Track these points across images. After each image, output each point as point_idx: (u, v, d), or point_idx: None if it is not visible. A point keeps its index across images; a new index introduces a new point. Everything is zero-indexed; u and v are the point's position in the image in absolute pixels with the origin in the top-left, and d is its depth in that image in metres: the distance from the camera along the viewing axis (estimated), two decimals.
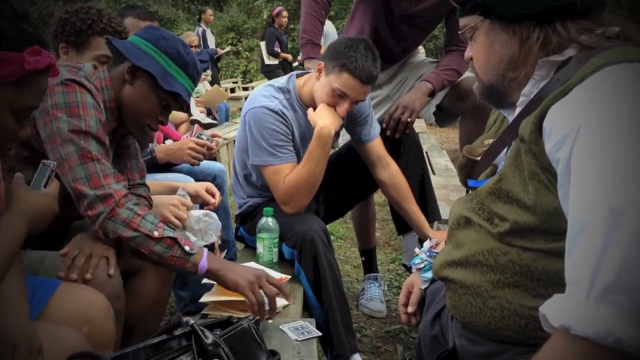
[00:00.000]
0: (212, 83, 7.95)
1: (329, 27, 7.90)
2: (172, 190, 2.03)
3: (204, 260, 1.51)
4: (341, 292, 1.98)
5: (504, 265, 1.03)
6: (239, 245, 2.63)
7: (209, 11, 10.13)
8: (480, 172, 1.21)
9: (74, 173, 1.44)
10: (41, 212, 1.22)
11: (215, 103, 7.08)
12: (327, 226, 2.16)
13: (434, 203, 2.53)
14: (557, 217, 0.92)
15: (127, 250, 1.50)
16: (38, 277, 1.37)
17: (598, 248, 0.76)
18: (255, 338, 1.23)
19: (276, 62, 9.06)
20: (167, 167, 2.55)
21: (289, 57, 9.08)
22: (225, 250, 2.30)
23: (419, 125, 6.34)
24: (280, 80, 2.22)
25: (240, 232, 2.37)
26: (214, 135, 2.70)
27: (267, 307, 1.53)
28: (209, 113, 7.10)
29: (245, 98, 5.94)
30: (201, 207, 2.13)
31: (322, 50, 2.42)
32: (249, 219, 2.29)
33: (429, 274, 1.46)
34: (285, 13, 9.38)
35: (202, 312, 1.71)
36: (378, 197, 3.96)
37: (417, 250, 1.58)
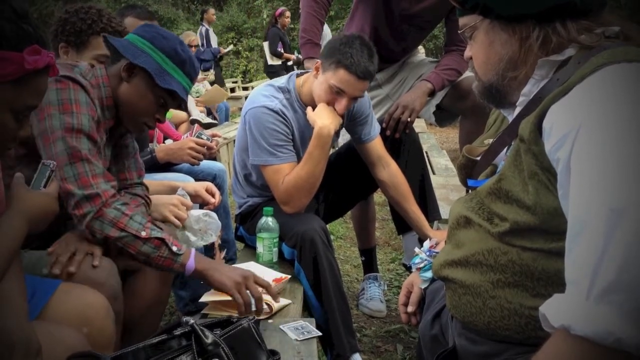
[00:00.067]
0: (216, 82, 7.95)
1: (325, 28, 7.87)
2: (172, 190, 2.03)
3: (192, 261, 1.51)
4: (341, 291, 1.98)
5: (504, 265, 1.03)
6: (239, 245, 2.63)
7: (212, 10, 10.11)
8: (480, 172, 1.21)
9: (63, 172, 1.44)
10: (41, 212, 1.22)
11: (215, 103, 7.08)
12: (327, 226, 2.16)
13: (433, 203, 2.53)
14: (557, 217, 0.92)
15: (114, 252, 1.50)
16: (38, 277, 1.37)
17: (598, 248, 0.76)
18: (255, 338, 1.23)
19: (280, 62, 9.04)
20: (167, 166, 2.55)
21: (293, 57, 9.07)
22: (225, 250, 2.30)
23: (419, 125, 6.34)
24: (281, 80, 2.22)
25: (240, 232, 2.37)
26: (214, 135, 2.70)
27: (253, 308, 1.53)
28: (209, 113, 7.10)
29: (245, 98, 5.95)
30: (201, 207, 2.13)
31: None
32: (248, 218, 2.29)
33: (428, 274, 1.46)
34: (288, 13, 9.34)
35: (202, 311, 1.71)
36: (378, 197, 3.96)
37: (417, 249, 1.58)
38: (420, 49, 3.73)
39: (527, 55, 1.03)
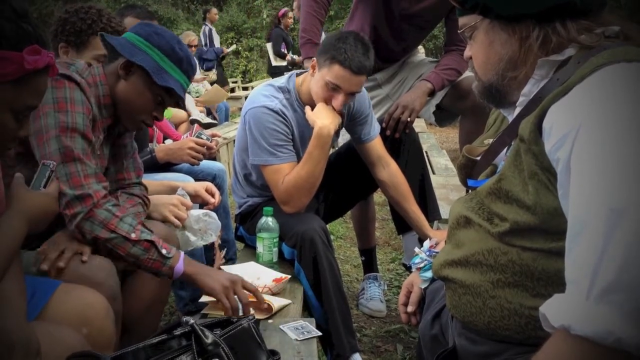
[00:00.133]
0: (218, 82, 7.94)
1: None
2: (172, 190, 2.03)
3: (180, 264, 1.51)
4: (341, 291, 1.98)
5: (504, 265, 1.03)
6: (239, 245, 2.63)
7: (214, 10, 10.09)
8: (480, 171, 1.21)
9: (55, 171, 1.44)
10: (41, 212, 1.22)
11: (215, 103, 7.07)
12: (327, 226, 2.16)
13: (433, 202, 2.53)
14: (557, 216, 0.92)
15: (103, 253, 1.49)
16: (38, 277, 1.37)
17: (598, 248, 0.76)
18: (255, 338, 1.23)
19: (284, 63, 9.03)
20: (167, 166, 2.55)
21: (288, 57, 9.06)
22: (225, 250, 2.30)
23: (419, 125, 6.34)
24: (280, 80, 2.22)
25: (240, 232, 2.37)
26: (213, 135, 2.71)
27: (240, 313, 1.52)
28: (209, 113, 7.10)
29: (245, 98, 5.94)
30: (201, 207, 2.13)
31: None
32: (248, 218, 2.29)
33: (428, 274, 1.46)
34: (291, 14, 9.32)
35: (202, 311, 1.71)
36: (378, 196, 3.96)
37: (417, 249, 1.58)
38: (420, 49, 3.73)
39: (527, 55, 1.03)
